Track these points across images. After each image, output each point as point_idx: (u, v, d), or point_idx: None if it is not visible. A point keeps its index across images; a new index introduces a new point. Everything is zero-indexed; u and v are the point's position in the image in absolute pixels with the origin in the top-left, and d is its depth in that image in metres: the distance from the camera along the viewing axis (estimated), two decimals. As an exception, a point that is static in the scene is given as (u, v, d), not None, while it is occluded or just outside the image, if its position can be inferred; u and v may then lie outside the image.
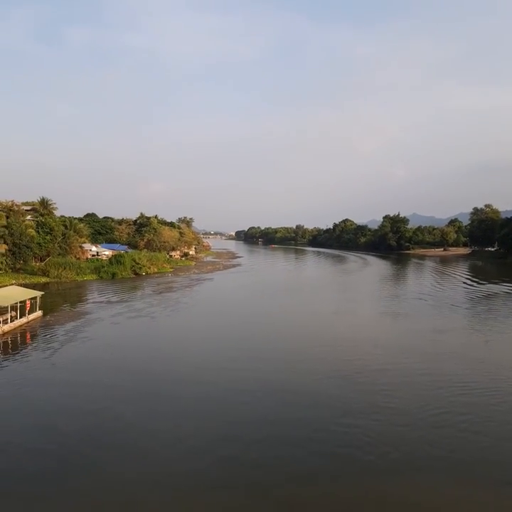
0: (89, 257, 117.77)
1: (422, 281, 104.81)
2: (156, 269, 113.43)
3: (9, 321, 46.60)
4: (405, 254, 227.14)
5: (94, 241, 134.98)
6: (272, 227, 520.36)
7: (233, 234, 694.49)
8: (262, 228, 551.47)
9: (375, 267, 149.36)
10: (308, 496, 18.37)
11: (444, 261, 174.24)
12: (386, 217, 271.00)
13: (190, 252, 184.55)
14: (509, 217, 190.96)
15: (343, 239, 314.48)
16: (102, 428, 24.02)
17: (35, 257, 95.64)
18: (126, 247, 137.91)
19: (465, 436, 23.60)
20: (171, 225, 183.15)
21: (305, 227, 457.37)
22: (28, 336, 44.75)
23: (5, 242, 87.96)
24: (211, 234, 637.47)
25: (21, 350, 40.53)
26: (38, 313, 53.12)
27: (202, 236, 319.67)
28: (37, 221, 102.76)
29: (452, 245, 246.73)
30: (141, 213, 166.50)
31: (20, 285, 66.41)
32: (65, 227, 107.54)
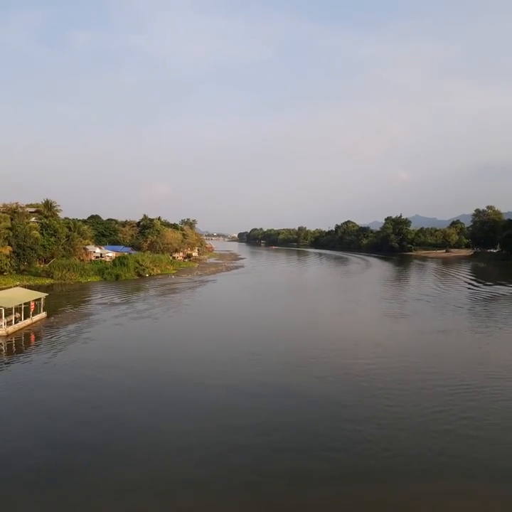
0: (93, 258, 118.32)
1: (424, 282, 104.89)
2: (159, 271, 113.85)
3: (13, 322, 47.03)
4: (407, 255, 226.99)
5: (98, 243, 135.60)
6: (275, 228, 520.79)
7: (236, 235, 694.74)
8: (265, 230, 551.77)
9: (377, 269, 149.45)
10: (308, 499, 18.64)
11: (446, 262, 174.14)
12: (388, 219, 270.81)
13: (193, 254, 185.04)
14: (511, 218, 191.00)
15: (345, 240, 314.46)
16: (105, 430, 24.30)
17: (39, 259, 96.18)
18: (129, 248, 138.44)
19: (467, 439, 23.75)
20: (174, 226, 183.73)
21: (307, 228, 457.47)
22: (33, 338, 45.15)
23: (9, 244, 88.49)
24: (214, 236, 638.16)
25: (26, 351, 40.94)
26: (42, 314, 53.54)
27: (205, 238, 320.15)
28: (41, 223, 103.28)
29: (454, 247, 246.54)
30: (145, 215, 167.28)
31: (25, 287, 66.83)
32: (69, 229, 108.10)
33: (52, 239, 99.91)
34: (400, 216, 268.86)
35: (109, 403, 27.93)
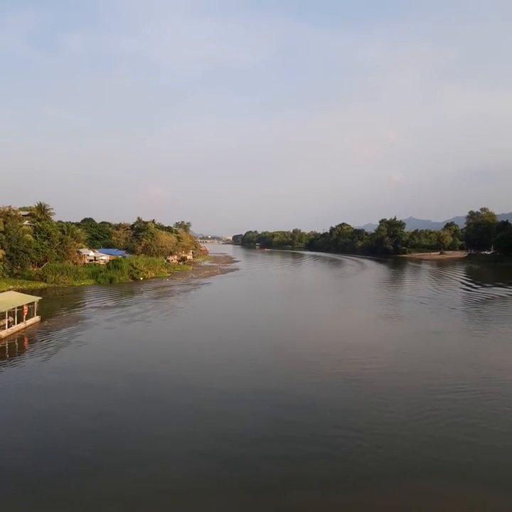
0: (87, 262, 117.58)
1: (419, 284, 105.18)
2: (153, 274, 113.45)
3: (7, 326, 46.59)
4: (402, 257, 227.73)
5: (92, 246, 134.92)
6: (269, 231, 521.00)
7: (230, 238, 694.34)
8: (259, 232, 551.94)
9: (372, 271, 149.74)
10: (308, 502, 18.52)
11: (440, 264, 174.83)
12: (383, 221, 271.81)
13: (188, 257, 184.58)
14: (505, 220, 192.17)
15: (340, 243, 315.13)
16: (97, 435, 24.04)
17: (32, 263, 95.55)
18: (123, 251, 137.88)
19: (463, 439, 23.84)
20: (169, 229, 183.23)
21: (302, 231, 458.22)
22: (26, 342, 44.73)
23: (2, 248, 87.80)
24: (208, 238, 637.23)
25: (19, 355, 40.55)
26: (36, 318, 53.10)
27: (199, 240, 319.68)
28: (34, 226, 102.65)
29: (448, 249, 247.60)
30: (139, 218, 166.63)
31: (18, 290, 66.30)
32: (63, 232, 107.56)
33: (46, 242, 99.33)
34: (395, 218, 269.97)
35: (101, 408, 27.61)
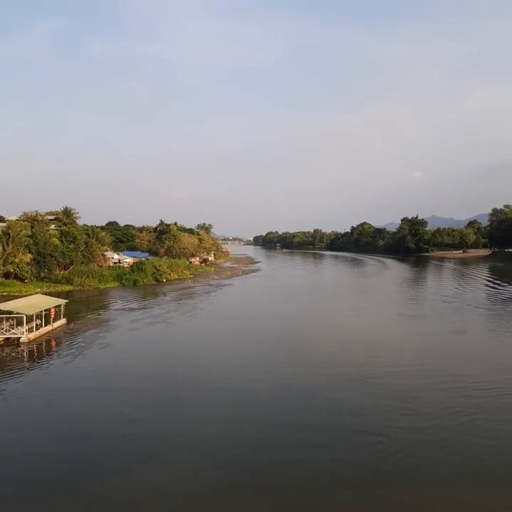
0: (111, 264, 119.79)
1: (442, 283, 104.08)
2: (176, 276, 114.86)
3: (34, 329, 47.99)
4: (424, 256, 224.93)
5: (116, 249, 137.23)
6: (290, 231, 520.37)
7: (251, 239, 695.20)
8: (280, 233, 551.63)
9: (394, 270, 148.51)
10: (323, 503, 18.90)
11: (464, 263, 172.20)
12: (404, 220, 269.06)
13: (210, 258, 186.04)
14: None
15: (361, 242, 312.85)
16: (122, 435, 24.80)
17: (58, 266, 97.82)
18: (147, 254, 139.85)
19: (485, 443, 23.76)
20: (191, 231, 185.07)
21: (323, 231, 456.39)
22: (53, 344, 46.08)
23: (30, 252, 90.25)
24: (230, 240, 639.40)
25: (46, 357, 41.88)
26: (63, 320, 54.54)
27: (221, 242, 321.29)
28: (60, 230, 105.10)
29: (472, 247, 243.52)
30: (161, 220, 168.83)
31: (45, 293, 68.06)
32: (88, 235, 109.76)
33: (72, 246, 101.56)
34: (416, 217, 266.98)
35: (126, 409, 28.42)
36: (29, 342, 45.31)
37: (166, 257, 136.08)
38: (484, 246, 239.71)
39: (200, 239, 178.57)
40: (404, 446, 23.02)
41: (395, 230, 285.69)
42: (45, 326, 50.04)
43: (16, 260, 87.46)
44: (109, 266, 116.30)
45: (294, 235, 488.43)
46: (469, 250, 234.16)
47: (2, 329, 45.84)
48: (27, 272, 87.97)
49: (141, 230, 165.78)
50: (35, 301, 52.67)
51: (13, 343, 44.70)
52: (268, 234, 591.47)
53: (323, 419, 26.38)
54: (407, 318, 60.05)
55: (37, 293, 70.24)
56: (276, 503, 18.77)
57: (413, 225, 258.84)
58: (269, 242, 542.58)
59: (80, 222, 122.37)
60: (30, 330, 47.11)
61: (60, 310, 55.16)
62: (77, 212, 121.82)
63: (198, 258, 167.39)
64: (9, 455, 22.46)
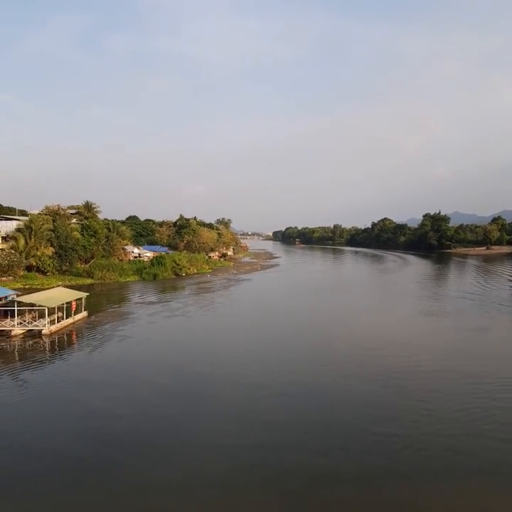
0: (132, 258, 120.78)
1: (465, 280, 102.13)
2: (195, 270, 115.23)
3: (56, 321, 48.54)
4: (446, 253, 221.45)
5: (136, 243, 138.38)
6: (309, 226, 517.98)
7: (271, 234, 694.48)
8: (299, 228, 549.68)
9: (415, 266, 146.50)
10: (345, 498, 18.56)
11: (487, 260, 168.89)
12: (426, 216, 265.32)
13: (229, 253, 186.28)
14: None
15: (381, 238, 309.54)
16: (139, 428, 24.80)
17: (80, 259, 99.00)
18: (166, 248, 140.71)
19: (507, 440, 23.17)
20: (210, 226, 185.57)
21: (343, 226, 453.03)
22: (74, 336, 46.53)
23: (52, 245, 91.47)
24: (249, 234, 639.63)
25: (67, 349, 42.29)
26: (84, 313, 55.07)
27: (240, 237, 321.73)
28: (82, 224, 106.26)
29: (495, 244, 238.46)
30: (181, 215, 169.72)
31: (66, 287, 68.82)
32: (109, 229, 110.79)
33: (93, 239, 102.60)
34: (439, 213, 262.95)
35: (144, 401, 28.42)
36: (51, 334, 45.81)
37: (185, 251, 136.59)
38: (509, 243, 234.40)
39: (219, 233, 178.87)
40: (422, 445, 22.57)
41: (416, 226, 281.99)
42: (66, 318, 50.58)
43: (38, 253, 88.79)
44: (129, 260, 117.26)
45: (313, 231, 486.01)
46: (493, 247, 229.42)
47: (24, 321, 46.46)
48: (49, 265, 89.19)
49: (161, 224, 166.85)
50: (57, 294, 53.24)
51: (35, 334, 45.27)
52: (287, 229, 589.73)
53: (340, 416, 26.00)
54: (429, 314, 59.01)
55: (58, 286, 71.06)
56: (289, 499, 18.53)
57: (435, 221, 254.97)
58: (289, 238, 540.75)
59: (100, 216, 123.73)
60: (51, 322, 47.65)
61: (81, 303, 55.67)
62: (98, 207, 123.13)
63: (217, 253, 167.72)
64: (27, 447, 22.55)
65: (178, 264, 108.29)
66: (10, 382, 32.23)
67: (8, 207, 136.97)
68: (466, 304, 65.91)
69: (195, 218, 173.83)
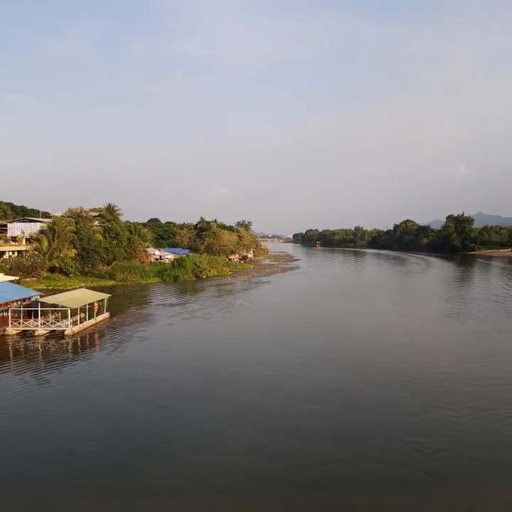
0: (153, 260, 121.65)
1: (491, 282, 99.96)
2: (215, 272, 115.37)
3: (78, 322, 48.97)
4: (470, 255, 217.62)
5: (158, 245, 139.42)
6: (330, 229, 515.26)
7: (291, 237, 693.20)
8: (320, 230, 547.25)
9: (439, 269, 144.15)
10: (364, 503, 18.09)
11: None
12: (450, 218, 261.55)
13: (249, 255, 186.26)
14: None
15: (404, 240, 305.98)
16: (157, 430, 24.72)
17: (102, 261, 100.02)
18: (187, 250, 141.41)
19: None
20: (230, 228, 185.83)
21: (364, 228, 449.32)
22: (96, 337, 46.82)
23: (74, 247, 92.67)
24: (269, 237, 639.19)
25: (89, 349, 42.56)
26: (106, 314, 55.47)
27: (260, 239, 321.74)
28: (104, 226, 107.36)
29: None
30: (202, 218, 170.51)
31: (89, 288, 69.48)
32: (130, 232, 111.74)
33: (115, 242, 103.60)
34: (462, 214, 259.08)
35: (162, 402, 28.40)
36: (73, 334, 46.21)
37: (205, 253, 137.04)
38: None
39: (239, 236, 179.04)
40: (444, 448, 22.08)
41: (439, 228, 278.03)
42: (88, 319, 50.99)
43: (61, 255, 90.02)
44: (150, 262, 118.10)
45: (334, 233, 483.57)
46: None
47: (48, 321, 47.00)
48: (72, 266, 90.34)
49: (181, 227, 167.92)
50: (80, 295, 53.74)
51: (58, 335, 45.72)
52: (308, 231, 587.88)
53: (364, 417, 25.51)
54: (454, 317, 57.77)
55: (81, 287, 71.81)
56: (310, 499, 18.21)
57: (459, 223, 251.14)
58: (309, 240, 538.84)
59: (122, 219, 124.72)
60: (74, 323, 48.09)
61: (103, 304, 56.10)
62: (120, 209, 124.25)
63: (237, 255, 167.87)
64: (47, 446, 22.61)
65: (199, 267, 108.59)
66: (33, 380, 32.62)
67: (32, 209, 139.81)
68: (493, 307, 64.38)
69: (215, 221, 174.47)
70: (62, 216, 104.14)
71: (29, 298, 53.10)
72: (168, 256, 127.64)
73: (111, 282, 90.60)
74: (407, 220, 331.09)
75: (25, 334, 45.79)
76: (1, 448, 22.26)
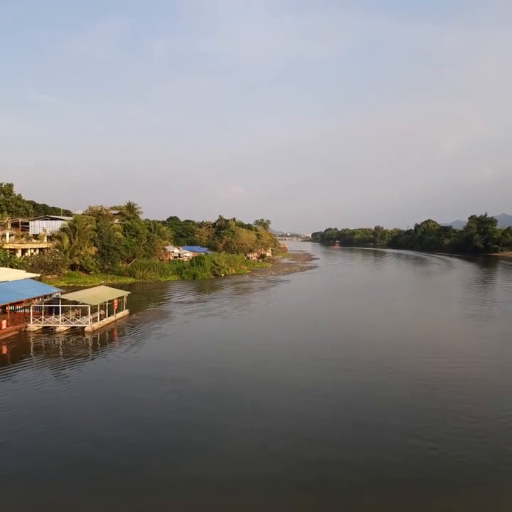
0: (172, 258, 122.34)
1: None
2: (234, 271, 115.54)
3: (98, 319, 49.48)
4: (493, 256, 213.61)
5: (177, 243, 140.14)
6: (350, 228, 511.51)
7: (310, 235, 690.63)
8: (339, 229, 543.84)
9: (460, 270, 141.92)
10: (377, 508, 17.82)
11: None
12: (472, 218, 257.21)
13: (267, 254, 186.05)
14: None
15: (425, 240, 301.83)
16: (174, 428, 24.77)
17: (122, 259, 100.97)
18: (206, 249, 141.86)
19: None
20: (249, 227, 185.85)
21: (384, 228, 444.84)
22: (115, 333, 47.26)
23: (95, 245, 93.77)
24: (287, 236, 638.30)
25: (108, 346, 42.94)
26: (125, 312, 55.94)
27: (278, 238, 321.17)
28: (124, 224, 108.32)
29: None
30: (220, 216, 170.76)
31: (109, 285, 70.23)
32: (150, 230, 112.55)
33: (134, 239, 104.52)
34: (485, 215, 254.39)
35: (178, 398, 28.50)
36: (93, 331, 46.70)
37: (224, 252, 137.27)
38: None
39: (258, 235, 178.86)
40: (458, 452, 21.71)
41: (461, 229, 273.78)
42: (108, 316, 51.49)
43: (81, 253, 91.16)
44: (169, 260, 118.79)
45: (354, 232, 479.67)
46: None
47: (68, 318, 47.58)
48: (92, 264, 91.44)
49: (200, 225, 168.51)
50: (99, 293, 54.29)
51: (78, 331, 46.26)
52: (327, 230, 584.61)
53: (377, 420, 25.14)
54: (476, 319, 56.69)
55: (101, 284, 72.61)
56: (320, 501, 18.09)
57: (481, 224, 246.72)
58: (328, 239, 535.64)
59: (142, 217, 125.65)
60: (94, 320, 48.58)
61: (123, 301, 56.57)
62: (140, 208, 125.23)
63: (255, 254, 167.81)
64: (66, 442, 22.83)
65: (217, 265, 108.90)
66: (53, 375, 33.08)
67: (54, 207, 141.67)
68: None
69: (234, 219, 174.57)
70: (83, 214, 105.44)
71: (50, 295, 53.90)
72: (187, 254, 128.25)
73: (130, 280, 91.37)
74: (429, 220, 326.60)
75: (47, 330, 46.45)
76: (13, 441, 22.60)
